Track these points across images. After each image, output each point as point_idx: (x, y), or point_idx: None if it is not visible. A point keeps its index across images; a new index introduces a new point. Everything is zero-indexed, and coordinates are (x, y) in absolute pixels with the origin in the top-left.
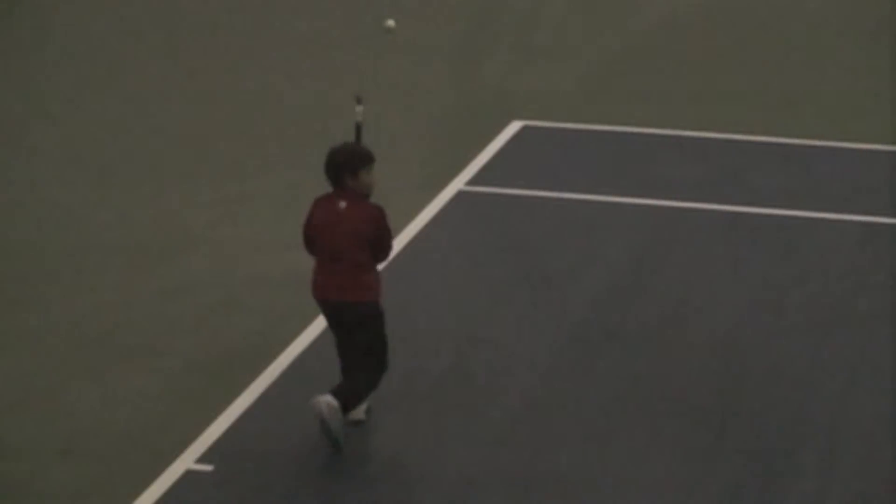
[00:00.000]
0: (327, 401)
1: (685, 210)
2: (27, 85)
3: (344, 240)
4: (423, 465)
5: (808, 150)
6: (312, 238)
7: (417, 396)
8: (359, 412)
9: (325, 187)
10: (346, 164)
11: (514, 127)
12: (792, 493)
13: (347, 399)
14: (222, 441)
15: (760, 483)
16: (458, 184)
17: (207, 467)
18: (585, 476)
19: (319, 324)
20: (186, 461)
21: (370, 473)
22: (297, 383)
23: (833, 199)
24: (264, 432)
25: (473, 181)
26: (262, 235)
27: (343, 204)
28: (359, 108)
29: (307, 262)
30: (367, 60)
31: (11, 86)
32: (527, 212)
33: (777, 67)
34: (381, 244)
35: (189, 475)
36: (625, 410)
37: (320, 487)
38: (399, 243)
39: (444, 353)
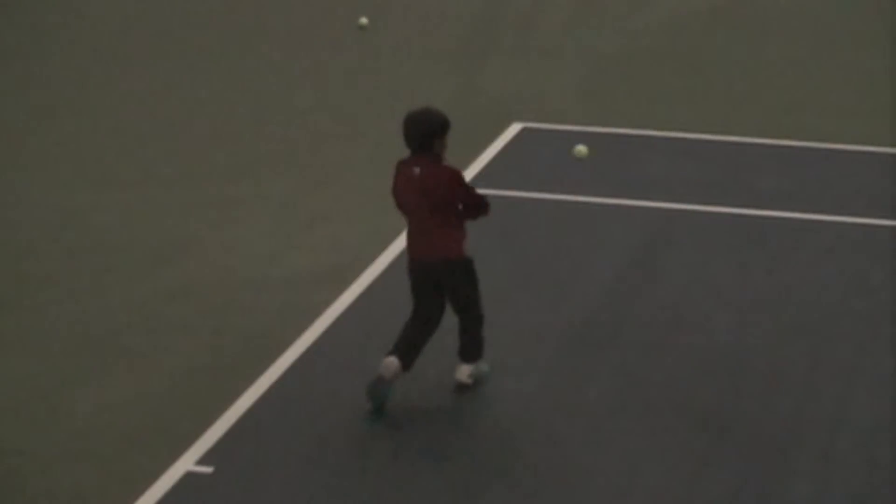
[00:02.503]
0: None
1: (685, 212)
2: (27, 85)
3: (420, 201)
4: (423, 465)
5: (808, 151)
6: (397, 201)
7: (418, 396)
8: (463, 375)
9: (325, 187)
10: (440, 128)
11: (514, 129)
12: (792, 493)
13: (472, 353)
14: (222, 443)
15: (760, 483)
16: None
17: (207, 469)
18: (585, 476)
19: (319, 325)
20: (187, 463)
21: (370, 474)
22: (297, 385)
23: (832, 201)
24: (264, 434)
25: (474, 183)
26: (262, 236)
27: (417, 169)
28: None
29: (307, 263)
30: (367, 61)
31: (11, 86)
32: (527, 213)
33: (777, 69)
34: (467, 202)
35: (189, 476)
36: (625, 411)
37: (320, 488)
38: (400, 245)
39: (443, 354)
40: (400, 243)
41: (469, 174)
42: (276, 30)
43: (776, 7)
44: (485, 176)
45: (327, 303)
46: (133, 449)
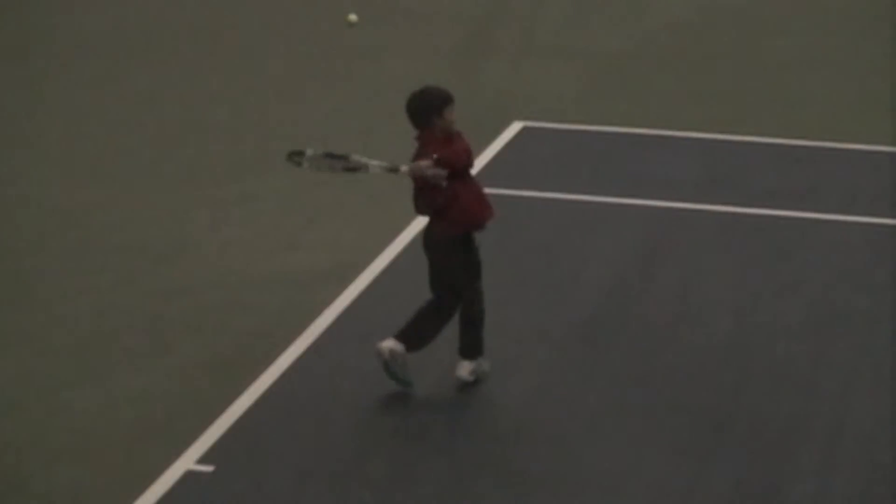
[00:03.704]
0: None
1: (686, 210)
2: (27, 84)
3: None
4: (423, 465)
5: (809, 150)
6: None
7: (417, 396)
8: (464, 372)
9: (325, 186)
10: (433, 105)
11: (515, 128)
12: (792, 493)
13: (472, 349)
14: (223, 441)
15: (760, 483)
16: None
17: (208, 468)
18: (585, 476)
19: (320, 324)
20: (187, 462)
21: (370, 474)
22: (297, 384)
23: (833, 201)
24: (265, 433)
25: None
26: (262, 236)
27: (415, 148)
28: None
29: (307, 263)
30: (367, 60)
31: (11, 85)
32: (527, 212)
33: (777, 68)
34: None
35: (190, 475)
36: (625, 410)
37: (320, 488)
38: (400, 244)
39: (444, 354)
40: (400, 243)
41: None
42: (276, 29)
43: (776, 7)
44: (485, 175)
45: (327, 302)
46: (133, 448)
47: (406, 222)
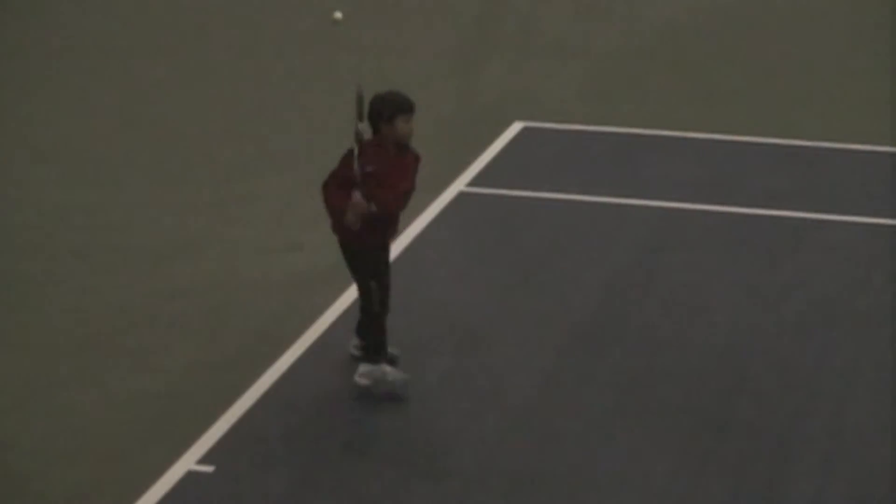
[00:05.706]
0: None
1: (685, 211)
2: (28, 85)
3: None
4: (422, 466)
5: (809, 151)
6: None
7: (417, 396)
8: (357, 373)
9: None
10: (381, 112)
11: (515, 128)
12: (792, 493)
13: (368, 351)
14: (223, 442)
15: (760, 483)
16: (460, 185)
17: (209, 468)
18: (585, 476)
19: (319, 325)
20: (188, 462)
21: (370, 474)
22: (297, 384)
23: (832, 201)
24: (265, 433)
25: (474, 182)
26: (262, 237)
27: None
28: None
29: (307, 264)
30: (368, 62)
31: (12, 85)
32: (527, 213)
33: (777, 68)
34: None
35: (190, 476)
36: (625, 411)
37: (321, 488)
38: (400, 244)
39: (444, 354)
40: (400, 244)
41: (470, 173)
42: (276, 29)
43: (776, 7)
44: (486, 175)
45: (327, 303)
46: (133, 448)
47: (406, 223)
